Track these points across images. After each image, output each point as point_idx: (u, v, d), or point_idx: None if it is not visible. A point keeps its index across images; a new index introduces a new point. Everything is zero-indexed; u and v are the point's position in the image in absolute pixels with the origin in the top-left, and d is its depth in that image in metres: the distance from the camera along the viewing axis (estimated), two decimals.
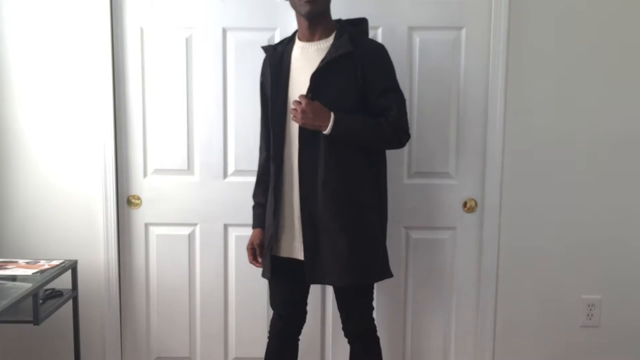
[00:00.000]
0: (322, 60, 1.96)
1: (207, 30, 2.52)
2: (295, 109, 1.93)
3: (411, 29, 2.51)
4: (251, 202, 2.25)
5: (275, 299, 2.19)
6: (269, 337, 2.23)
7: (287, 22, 2.47)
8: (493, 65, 2.49)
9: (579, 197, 2.56)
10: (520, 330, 2.63)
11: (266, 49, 2.14)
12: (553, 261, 2.59)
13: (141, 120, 2.57)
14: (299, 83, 2.00)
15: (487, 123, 2.53)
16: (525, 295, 2.61)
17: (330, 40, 2.02)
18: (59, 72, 2.51)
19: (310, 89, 1.96)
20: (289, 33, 2.46)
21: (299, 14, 2.01)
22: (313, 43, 2.03)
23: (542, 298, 2.61)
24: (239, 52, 2.52)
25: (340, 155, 1.97)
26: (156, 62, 2.54)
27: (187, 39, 2.52)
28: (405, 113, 2.06)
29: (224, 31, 2.52)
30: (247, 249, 2.22)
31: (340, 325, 2.17)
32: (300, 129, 1.97)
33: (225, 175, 2.59)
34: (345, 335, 2.17)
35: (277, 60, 2.06)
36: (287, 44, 2.10)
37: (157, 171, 2.60)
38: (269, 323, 2.25)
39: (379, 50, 2.05)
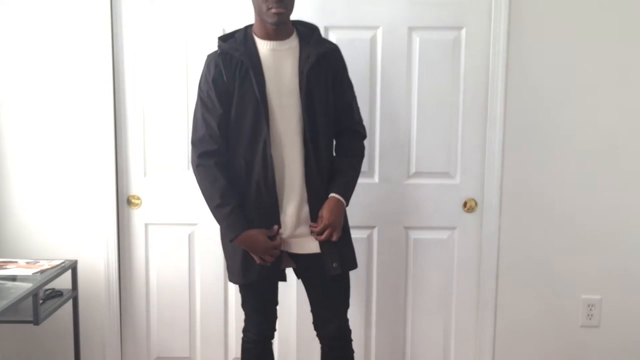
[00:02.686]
0: (308, 58, 1.98)
1: (207, 31, 2.51)
2: (318, 231, 1.99)
3: (411, 29, 2.51)
4: None
5: (258, 301, 2.15)
6: (246, 348, 2.20)
7: None
8: (493, 65, 2.49)
9: (579, 197, 2.56)
10: (520, 330, 2.63)
11: (229, 48, 2.02)
12: (553, 261, 2.59)
13: (141, 120, 2.57)
14: (278, 82, 1.99)
15: (487, 123, 2.53)
16: (525, 295, 2.61)
17: (295, 39, 2.04)
18: (59, 72, 2.51)
19: (304, 90, 1.97)
20: None
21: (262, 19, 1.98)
22: (283, 42, 2.02)
23: (542, 298, 2.61)
24: None
25: (319, 155, 2.04)
26: (156, 62, 2.53)
27: (187, 39, 2.52)
28: (359, 108, 2.17)
29: (224, 32, 2.51)
30: (269, 245, 1.99)
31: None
32: (287, 129, 1.99)
33: None
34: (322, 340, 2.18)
35: (248, 58, 1.98)
36: (245, 41, 2.02)
37: (157, 171, 2.60)
38: (243, 330, 2.21)
39: (339, 50, 2.13)
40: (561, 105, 2.52)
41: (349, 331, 2.16)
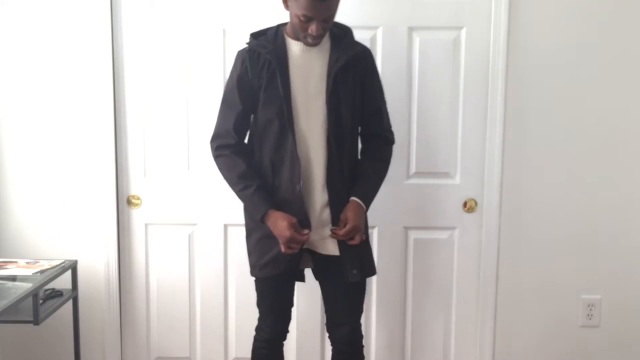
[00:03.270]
0: (337, 60, 1.97)
1: (207, 31, 2.51)
2: (343, 234, 1.96)
3: (411, 29, 2.51)
4: None
5: (276, 300, 2.14)
6: (257, 346, 2.18)
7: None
8: (493, 65, 2.49)
9: (579, 197, 2.56)
10: (520, 330, 2.63)
11: (258, 45, 2.01)
12: (553, 261, 2.59)
13: (141, 120, 2.57)
14: (306, 83, 1.98)
15: (487, 123, 2.53)
16: (525, 295, 2.61)
17: (327, 41, 2.02)
18: (58, 73, 2.51)
19: (330, 92, 1.96)
20: None
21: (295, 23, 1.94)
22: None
23: (542, 298, 2.61)
24: None
25: (342, 158, 2.03)
26: (156, 62, 2.53)
27: (187, 40, 2.52)
28: (388, 113, 2.15)
29: (224, 32, 2.52)
30: (289, 234, 1.92)
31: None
32: (313, 130, 1.98)
33: None
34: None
35: (275, 56, 1.98)
36: (275, 39, 2.02)
37: (157, 171, 2.60)
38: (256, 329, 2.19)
39: (371, 54, 2.12)
40: (561, 105, 2.52)
41: (361, 336, 2.15)
